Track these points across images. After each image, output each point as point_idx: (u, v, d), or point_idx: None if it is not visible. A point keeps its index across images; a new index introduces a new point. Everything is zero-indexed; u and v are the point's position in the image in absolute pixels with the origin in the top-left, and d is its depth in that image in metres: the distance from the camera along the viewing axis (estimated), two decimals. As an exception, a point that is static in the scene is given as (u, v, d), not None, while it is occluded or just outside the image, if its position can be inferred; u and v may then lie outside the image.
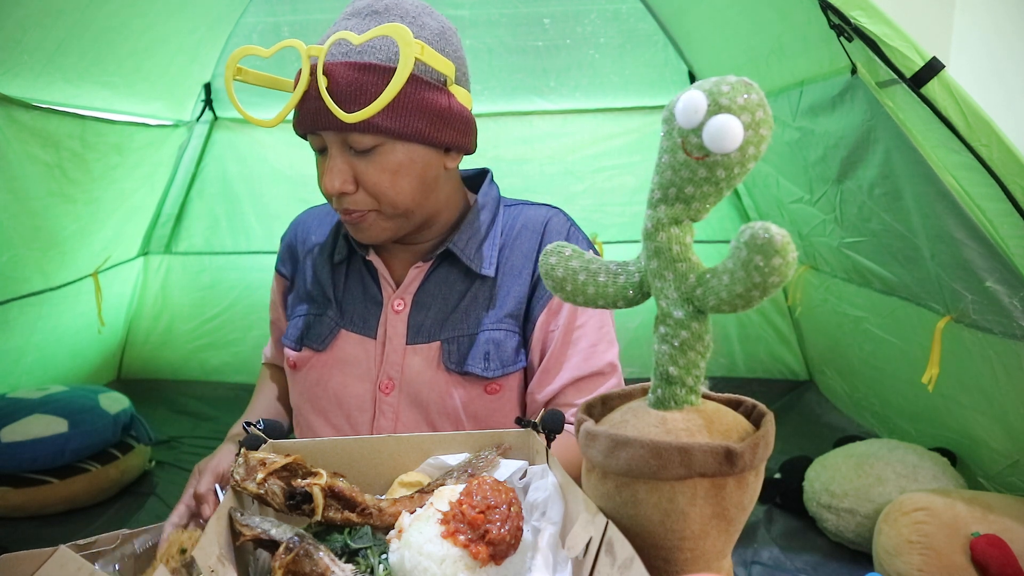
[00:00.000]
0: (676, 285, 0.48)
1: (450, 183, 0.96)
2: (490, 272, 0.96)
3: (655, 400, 0.51)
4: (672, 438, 0.47)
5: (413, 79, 0.83)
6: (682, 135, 0.46)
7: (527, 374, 0.98)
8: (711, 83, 0.45)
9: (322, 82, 0.81)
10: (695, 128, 0.45)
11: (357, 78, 0.82)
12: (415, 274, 0.97)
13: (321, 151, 0.90)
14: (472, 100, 0.94)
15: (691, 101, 0.45)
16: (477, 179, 1.06)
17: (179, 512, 0.86)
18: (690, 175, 0.46)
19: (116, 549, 0.79)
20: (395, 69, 0.80)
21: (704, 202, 0.47)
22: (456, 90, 0.89)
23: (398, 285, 0.98)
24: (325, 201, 1.11)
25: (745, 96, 0.44)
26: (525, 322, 0.97)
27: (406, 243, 0.99)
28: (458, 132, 0.90)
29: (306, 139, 0.90)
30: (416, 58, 0.80)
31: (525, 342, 0.97)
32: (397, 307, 0.96)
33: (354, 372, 0.97)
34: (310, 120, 0.85)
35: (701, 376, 0.50)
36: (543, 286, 0.95)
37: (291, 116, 0.89)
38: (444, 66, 0.85)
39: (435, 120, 0.87)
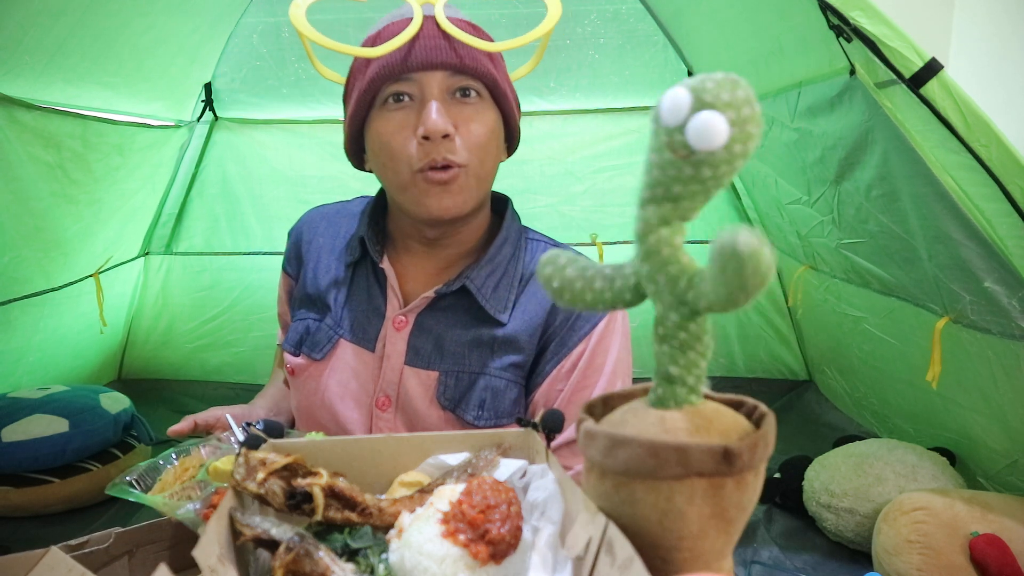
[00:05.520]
0: (669, 288, 0.48)
1: (489, 189, 0.96)
2: (504, 319, 0.92)
3: (655, 399, 0.51)
4: (670, 438, 0.47)
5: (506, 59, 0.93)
6: (668, 133, 0.45)
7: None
8: (696, 80, 0.44)
9: (443, 21, 0.83)
10: (679, 126, 0.44)
11: (473, 31, 0.87)
12: (425, 300, 0.94)
13: (400, 98, 0.87)
14: None
15: (675, 98, 0.44)
16: (497, 205, 1.02)
17: (182, 426, 0.88)
18: (676, 174, 0.45)
19: (109, 548, 0.79)
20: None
21: (692, 201, 0.46)
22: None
23: (406, 301, 0.95)
24: (325, 203, 1.11)
25: (730, 92, 0.43)
26: (530, 373, 0.94)
27: (433, 246, 0.96)
28: (516, 128, 0.95)
29: (377, 93, 0.86)
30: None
31: (527, 389, 0.94)
32: (398, 324, 0.94)
33: (351, 385, 0.95)
34: (423, 56, 0.84)
35: (703, 375, 0.50)
36: (557, 342, 0.93)
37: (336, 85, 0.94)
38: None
39: (515, 103, 0.94)
